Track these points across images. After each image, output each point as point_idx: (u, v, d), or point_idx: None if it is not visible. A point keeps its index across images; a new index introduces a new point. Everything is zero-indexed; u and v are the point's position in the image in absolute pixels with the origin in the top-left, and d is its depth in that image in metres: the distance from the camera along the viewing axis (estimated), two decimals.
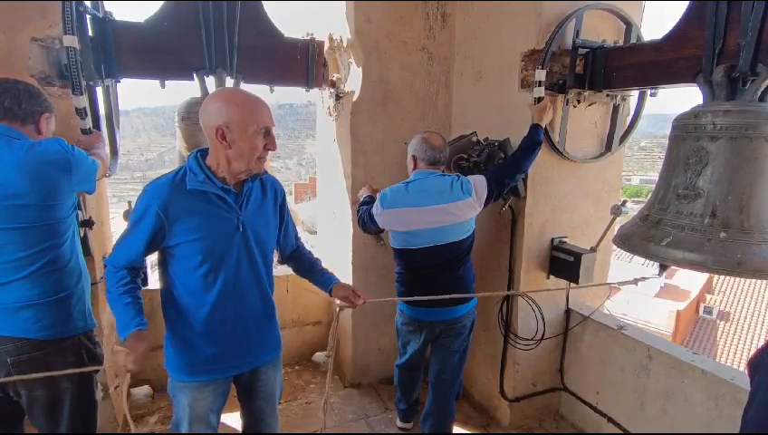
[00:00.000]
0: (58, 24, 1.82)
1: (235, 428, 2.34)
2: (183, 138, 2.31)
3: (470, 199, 2.02)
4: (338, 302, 1.72)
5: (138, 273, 1.49)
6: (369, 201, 2.25)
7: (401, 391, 2.50)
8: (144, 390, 2.75)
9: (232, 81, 2.30)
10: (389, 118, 2.67)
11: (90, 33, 2.00)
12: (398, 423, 2.59)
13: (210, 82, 2.27)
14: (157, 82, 2.26)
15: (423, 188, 2.04)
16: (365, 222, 2.19)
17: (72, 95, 1.85)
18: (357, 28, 2.48)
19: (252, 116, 1.37)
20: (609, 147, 2.41)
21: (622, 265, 16.68)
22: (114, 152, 2.18)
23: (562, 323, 2.57)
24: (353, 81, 2.62)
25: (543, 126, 2.13)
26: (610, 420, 2.34)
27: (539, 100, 2.13)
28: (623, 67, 2.02)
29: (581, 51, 2.12)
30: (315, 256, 1.85)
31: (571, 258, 2.30)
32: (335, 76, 2.71)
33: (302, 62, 2.51)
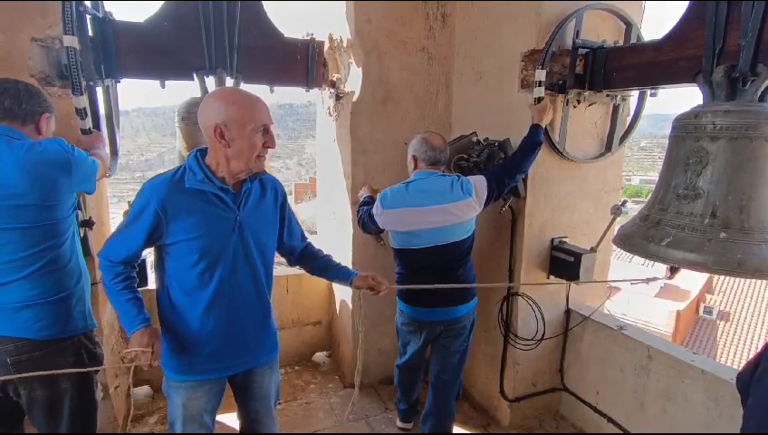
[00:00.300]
0: (58, 24, 1.82)
1: (233, 428, 2.34)
2: (183, 138, 2.31)
3: (470, 200, 2.02)
4: (361, 291, 1.75)
5: (133, 267, 1.50)
6: (369, 201, 2.25)
7: (401, 392, 2.50)
8: (144, 390, 2.75)
9: (232, 81, 2.30)
10: (389, 118, 2.67)
11: (90, 33, 2.00)
12: (398, 423, 2.59)
13: (210, 82, 2.27)
14: (157, 82, 2.26)
15: (423, 189, 2.04)
16: (365, 222, 2.19)
17: (72, 95, 1.85)
18: (357, 28, 2.48)
19: (250, 114, 1.37)
20: (609, 147, 2.41)
21: (622, 265, 16.68)
22: (114, 152, 2.19)
23: (562, 324, 2.57)
24: (353, 81, 2.62)
25: (543, 126, 2.13)
26: (610, 420, 2.34)
27: (539, 100, 2.13)
28: (623, 67, 2.02)
29: (581, 51, 2.12)
30: (325, 252, 1.83)
31: (571, 258, 2.30)
32: (335, 76, 2.71)
33: (302, 63, 2.51)
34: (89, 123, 1.95)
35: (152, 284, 2.44)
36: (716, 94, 1.53)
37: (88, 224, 1.98)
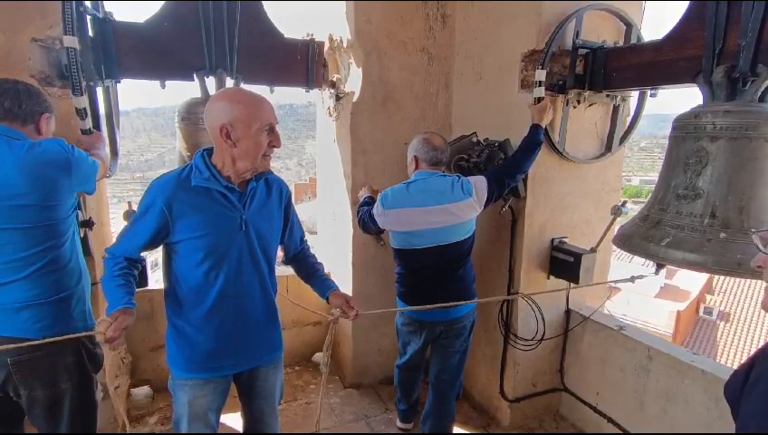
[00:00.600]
0: (58, 25, 1.82)
1: (235, 428, 2.34)
2: (183, 138, 2.30)
3: (470, 200, 2.02)
4: (333, 311, 1.70)
5: (136, 265, 1.50)
6: (370, 202, 2.25)
7: (401, 392, 2.50)
8: (144, 390, 2.74)
9: (232, 81, 2.30)
10: (389, 118, 2.67)
11: (90, 33, 2.00)
12: (398, 424, 2.59)
13: (210, 82, 2.27)
14: (157, 83, 2.26)
15: (424, 189, 2.04)
16: (365, 223, 2.19)
17: (72, 95, 1.85)
18: (357, 28, 2.48)
19: (255, 113, 1.37)
20: (609, 147, 2.41)
21: (622, 265, 16.66)
22: (114, 153, 2.19)
23: (562, 324, 2.57)
24: (353, 81, 2.62)
25: (543, 126, 2.13)
26: (610, 420, 2.34)
27: (539, 100, 2.13)
28: (623, 67, 2.02)
29: (581, 51, 2.12)
30: (318, 260, 1.84)
31: (571, 259, 2.30)
32: (335, 76, 2.71)
33: (302, 63, 2.51)
34: (89, 123, 1.95)
35: (152, 284, 2.45)
36: (716, 94, 1.53)
37: (88, 224, 1.98)
